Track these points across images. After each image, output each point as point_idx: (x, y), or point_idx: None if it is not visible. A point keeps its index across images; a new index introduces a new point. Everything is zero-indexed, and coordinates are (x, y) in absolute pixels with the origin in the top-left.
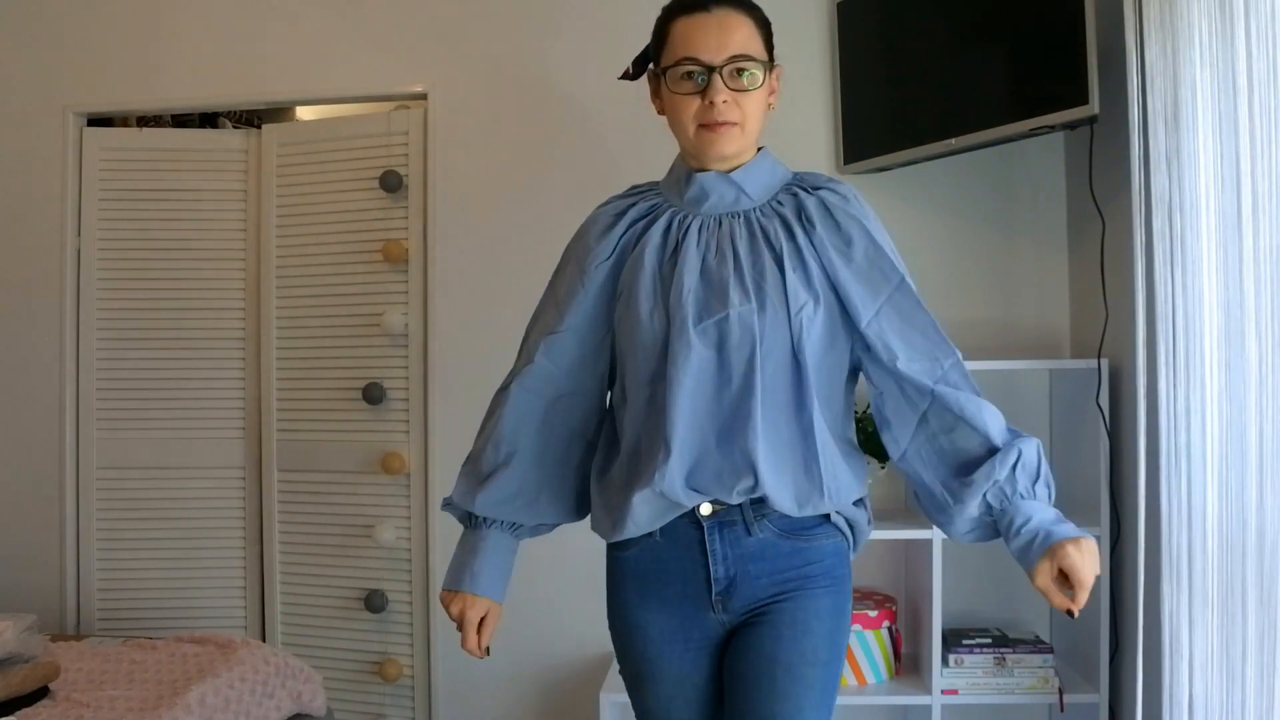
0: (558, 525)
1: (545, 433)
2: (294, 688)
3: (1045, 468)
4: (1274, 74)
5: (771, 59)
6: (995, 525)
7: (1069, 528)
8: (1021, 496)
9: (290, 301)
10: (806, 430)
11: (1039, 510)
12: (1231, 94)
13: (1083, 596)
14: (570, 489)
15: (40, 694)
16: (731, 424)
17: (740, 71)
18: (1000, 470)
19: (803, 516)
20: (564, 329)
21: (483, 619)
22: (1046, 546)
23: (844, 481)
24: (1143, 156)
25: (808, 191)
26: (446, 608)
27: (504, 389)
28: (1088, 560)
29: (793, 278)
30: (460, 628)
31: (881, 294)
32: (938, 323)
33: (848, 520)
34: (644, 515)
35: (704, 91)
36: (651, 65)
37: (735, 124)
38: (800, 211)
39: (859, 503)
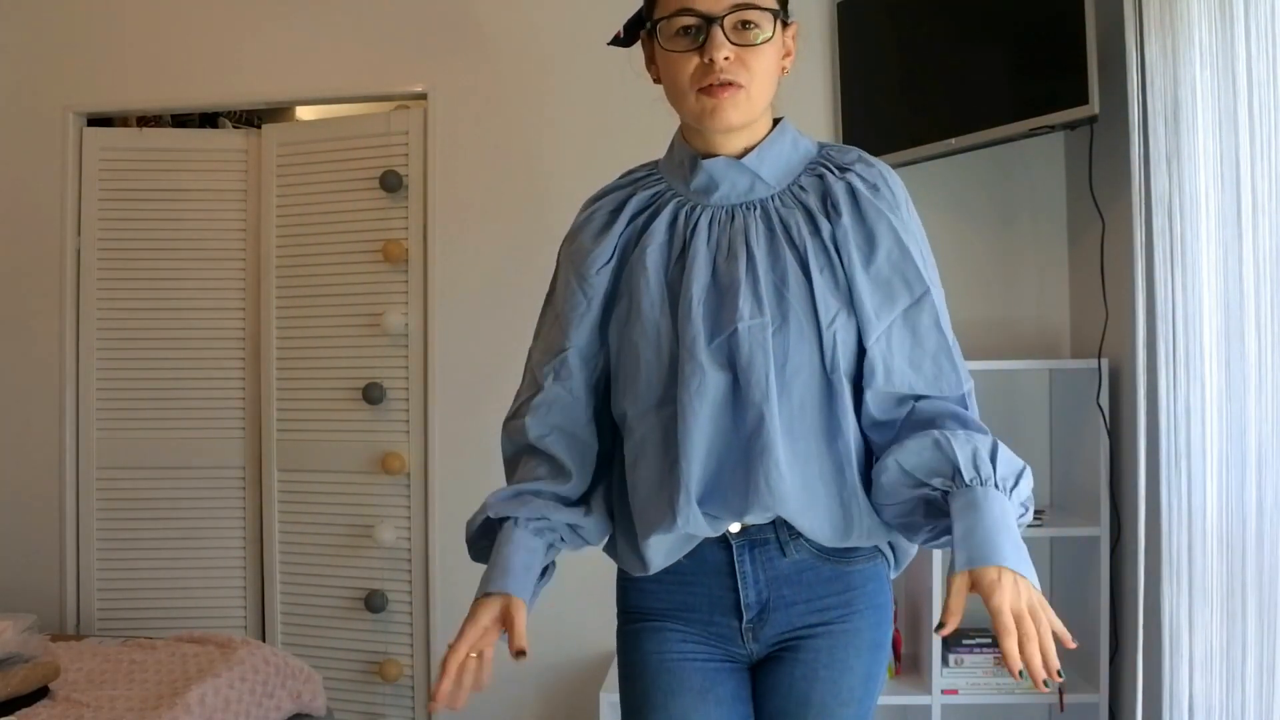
0: (594, 516)
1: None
2: (294, 688)
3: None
4: (1274, 74)
5: (785, 10)
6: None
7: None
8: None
9: (290, 301)
10: (842, 462)
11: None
12: (1231, 94)
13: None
14: (604, 496)
15: (40, 694)
16: (749, 454)
17: (746, 23)
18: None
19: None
20: (570, 347)
21: (504, 622)
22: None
23: (885, 520)
24: (1143, 156)
25: (835, 173)
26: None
27: (514, 418)
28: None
29: (820, 282)
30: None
31: (898, 306)
32: (957, 349)
33: (889, 542)
34: (668, 549)
35: (702, 48)
36: (645, 22)
37: (740, 86)
38: (826, 197)
39: None
